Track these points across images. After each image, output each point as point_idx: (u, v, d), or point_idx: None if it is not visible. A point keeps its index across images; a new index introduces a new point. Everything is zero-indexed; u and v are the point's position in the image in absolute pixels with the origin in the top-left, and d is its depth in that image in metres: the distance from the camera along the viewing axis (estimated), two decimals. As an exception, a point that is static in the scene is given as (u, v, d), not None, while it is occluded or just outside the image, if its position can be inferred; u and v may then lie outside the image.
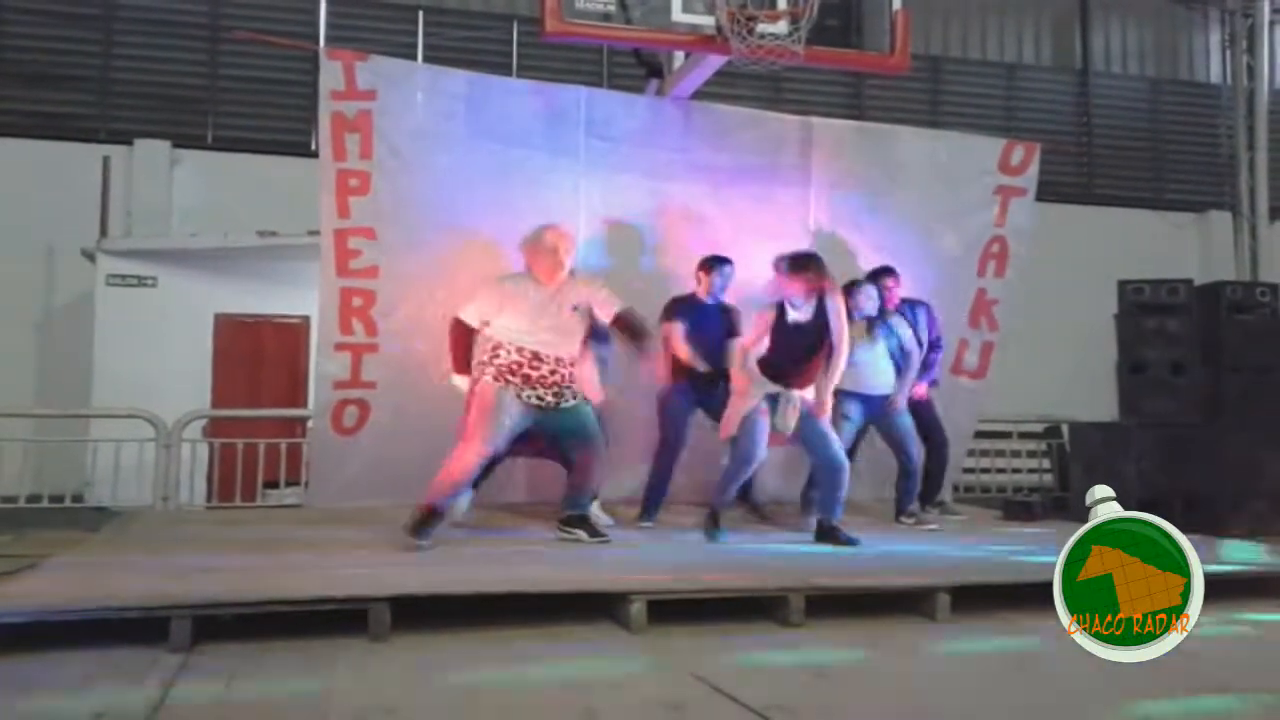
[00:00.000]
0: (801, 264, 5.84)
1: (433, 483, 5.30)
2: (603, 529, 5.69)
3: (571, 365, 5.57)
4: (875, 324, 6.53)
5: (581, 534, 5.55)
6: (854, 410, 6.41)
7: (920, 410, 6.78)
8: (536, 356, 5.43)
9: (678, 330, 6.41)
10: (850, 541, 5.60)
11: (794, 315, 5.78)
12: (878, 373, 6.49)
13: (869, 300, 6.54)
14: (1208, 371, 8.03)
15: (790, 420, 5.68)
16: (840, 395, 6.11)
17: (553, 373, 5.46)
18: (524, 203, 6.67)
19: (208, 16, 12.24)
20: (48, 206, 11.06)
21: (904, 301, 6.93)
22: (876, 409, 6.52)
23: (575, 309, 5.58)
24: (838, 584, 4.49)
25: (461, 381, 5.58)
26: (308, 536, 5.49)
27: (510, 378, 5.40)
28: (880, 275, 6.86)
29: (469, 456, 5.35)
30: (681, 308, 6.52)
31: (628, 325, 5.66)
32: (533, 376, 5.42)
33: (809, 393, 5.77)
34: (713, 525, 5.78)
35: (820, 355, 5.78)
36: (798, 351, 5.77)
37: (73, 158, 11.27)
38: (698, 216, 7.26)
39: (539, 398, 5.44)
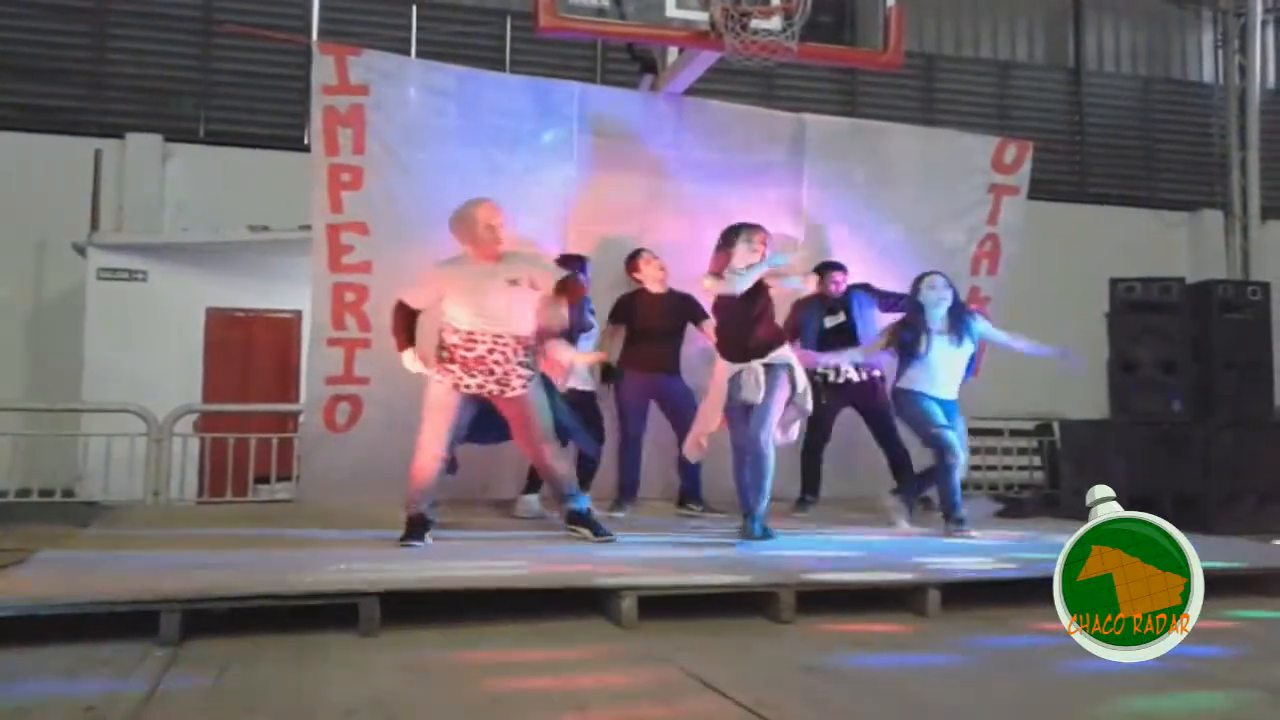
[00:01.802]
0: (723, 238, 5.83)
1: (406, 492, 5.29)
2: (608, 530, 5.47)
3: (520, 345, 5.32)
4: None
5: (585, 532, 5.45)
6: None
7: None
8: (471, 336, 5.26)
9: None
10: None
11: (724, 289, 5.68)
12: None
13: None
14: (1199, 370, 8.06)
15: (752, 391, 5.50)
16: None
17: (490, 352, 5.24)
18: (517, 198, 6.65)
19: (200, 10, 12.20)
20: (38, 200, 11.02)
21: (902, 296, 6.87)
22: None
23: (514, 283, 5.32)
24: (828, 580, 4.49)
25: (411, 359, 5.39)
26: (298, 532, 5.49)
27: (450, 366, 5.27)
28: (827, 269, 6.89)
29: (425, 461, 5.29)
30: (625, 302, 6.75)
31: (566, 289, 5.38)
32: (469, 359, 5.24)
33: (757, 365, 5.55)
34: (758, 532, 5.49)
35: (758, 326, 5.61)
36: (731, 327, 5.70)
37: (64, 151, 11.22)
38: (690, 212, 7.25)
39: (479, 385, 5.25)
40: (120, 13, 12.03)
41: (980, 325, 6.33)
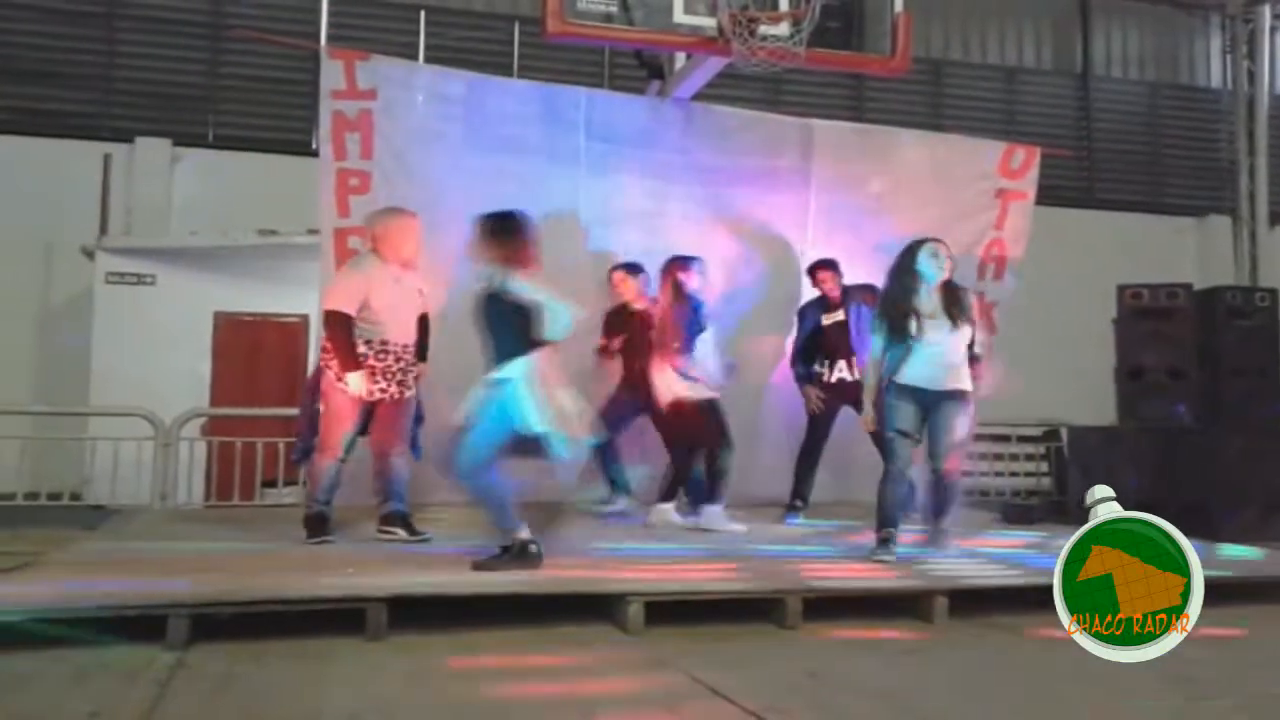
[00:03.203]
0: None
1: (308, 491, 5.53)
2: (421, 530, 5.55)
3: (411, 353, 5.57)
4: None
5: (400, 532, 5.50)
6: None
7: None
8: (385, 346, 5.42)
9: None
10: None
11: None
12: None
13: None
14: (1206, 376, 8.03)
15: None
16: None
17: (398, 361, 5.45)
18: (524, 203, 6.61)
19: (209, 15, 12.21)
20: (48, 204, 11.03)
21: None
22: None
23: (420, 292, 5.62)
24: (834, 586, 4.49)
25: (357, 380, 5.29)
26: (305, 536, 5.49)
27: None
28: (814, 269, 6.88)
29: (321, 463, 5.46)
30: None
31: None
32: (378, 368, 5.39)
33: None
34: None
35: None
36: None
37: (73, 155, 11.24)
38: (697, 218, 7.27)
39: (383, 390, 5.41)
40: (130, 18, 12.06)
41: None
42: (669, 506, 6.32)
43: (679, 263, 6.35)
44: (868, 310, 6.59)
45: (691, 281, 6.34)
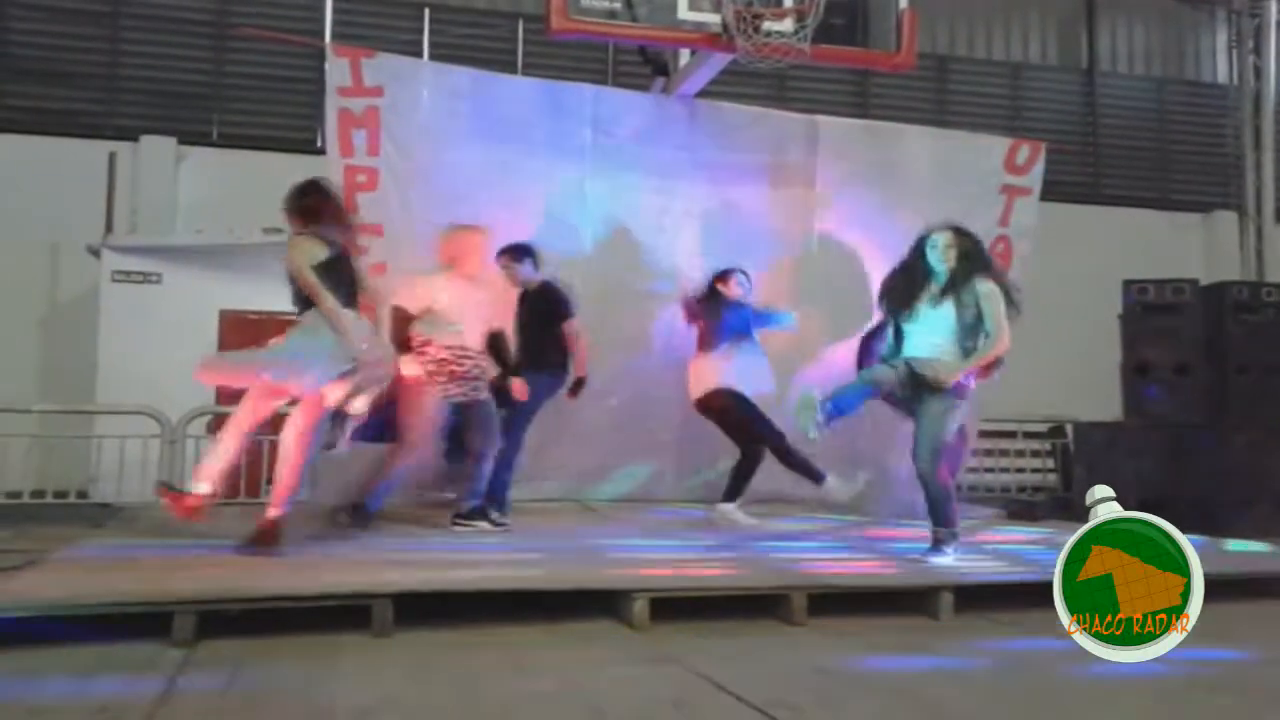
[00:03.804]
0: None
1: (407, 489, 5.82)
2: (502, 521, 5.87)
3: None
4: None
5: (483, 524, 5.78)
6: None
7: None
8: (464, 350, 5.75)
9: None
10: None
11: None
12: None
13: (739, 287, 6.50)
14: (1212, 372, 8.01)
15: None
16: None
17: (476, 365, 5.78)
18: (529, 200, 6.70)
19: (214, 13, 12.23)
20: (53, 203, 11.06)
21: None
22: None
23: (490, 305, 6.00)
24: (840, 582, 4.49)
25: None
26: (311, 533, 5.49)
27: (439, 378, 5.69)
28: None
29: (413, 461, 5.76)
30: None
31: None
32: (458, 372, 5.71)
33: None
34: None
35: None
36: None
37: (78, 154, 11.26)
38: (702, 214, 7.27)
39: (464, 394, 5.73)
40: (135, 16, 12.08)
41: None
42: (732, 506, 6.29)
43: (718, 276, 6.49)
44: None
45: (732, 290, 6.44)
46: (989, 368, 5.14)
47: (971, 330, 5.01)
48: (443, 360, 5.66)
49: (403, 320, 5.63)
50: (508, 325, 6.15)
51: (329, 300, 4.65)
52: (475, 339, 5.82)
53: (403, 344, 5.61)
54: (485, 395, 5.82)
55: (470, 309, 5.79)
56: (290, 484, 4.77)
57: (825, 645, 3.85)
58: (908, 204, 7.49)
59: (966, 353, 5.00)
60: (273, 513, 4.75)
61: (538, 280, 6.28)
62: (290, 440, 4.80)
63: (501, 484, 6.06)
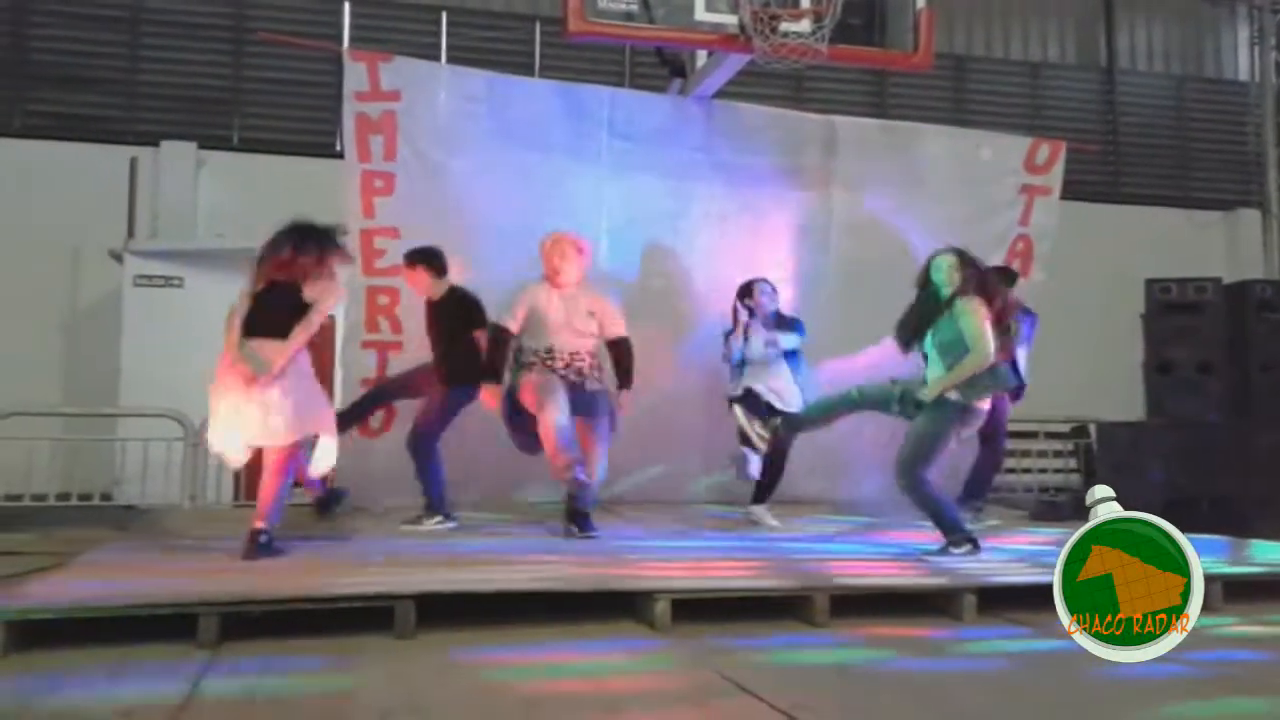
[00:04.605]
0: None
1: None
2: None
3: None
4: None
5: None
6: None
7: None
8: (550, 352, 5.92)
9: None
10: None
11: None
12: None
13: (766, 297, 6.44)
14: (1235, 371, 7.96)
15: None
16: None
17: (567, 366, 5.91)
18: (546, 203, 6.70)
19: (232, 19, 12.29)
20: (75, 208, 11.13)
21: None
22: None
23: (593, 314, 6.04)
24: (863, 584, 4.48)
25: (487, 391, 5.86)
26: (334, 534, 5.52)
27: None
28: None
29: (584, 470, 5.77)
30: None
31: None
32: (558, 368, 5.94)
33: None
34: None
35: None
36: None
37: (99, 159, 11.33)
38: (720, 216, 7.26)
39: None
40: (154, 22, 12.15)
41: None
42: (763, 508, 6.29)
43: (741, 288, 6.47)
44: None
45: (762, 303, 6.43)
46: (1012, 393, 5.67)
47: (951, 346, 5.18)
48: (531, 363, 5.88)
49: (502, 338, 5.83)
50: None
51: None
52: (574, 342, 5.95)
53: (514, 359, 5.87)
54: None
55: (568, 314, 5.95)
56: (274, 495, 4.94)
57: (848, 647, 3.84)
58: (926, 204, 7.50)
59: (948, 369, 5.16)
60: (257, 524, 4.83)
61: (446, 286, 6.10)
62: (274, 454, 4.98)
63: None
